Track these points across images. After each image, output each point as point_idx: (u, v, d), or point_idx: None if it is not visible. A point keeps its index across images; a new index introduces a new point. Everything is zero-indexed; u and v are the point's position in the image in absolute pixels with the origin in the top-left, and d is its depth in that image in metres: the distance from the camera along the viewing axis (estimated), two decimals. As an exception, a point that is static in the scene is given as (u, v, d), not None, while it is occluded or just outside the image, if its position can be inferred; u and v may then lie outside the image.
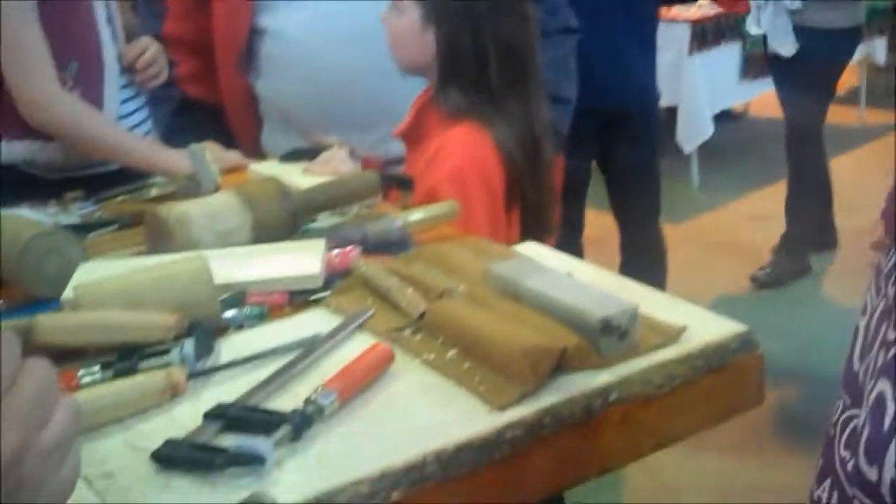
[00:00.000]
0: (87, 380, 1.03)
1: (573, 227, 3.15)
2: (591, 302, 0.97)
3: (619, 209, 3.28)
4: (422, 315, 1.06)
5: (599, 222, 3.59)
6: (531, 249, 1.22)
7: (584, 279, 1.08)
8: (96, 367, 1.04)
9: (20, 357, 0.64)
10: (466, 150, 1.58)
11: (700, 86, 4.66)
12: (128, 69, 2.02)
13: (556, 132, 1.95)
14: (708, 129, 4.72)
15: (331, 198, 1.52)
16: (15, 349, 0.64)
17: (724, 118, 5.18)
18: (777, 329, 3.30)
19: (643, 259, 3.19)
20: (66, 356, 1.07)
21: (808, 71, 3.53)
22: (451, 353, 0.99)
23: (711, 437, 2.70)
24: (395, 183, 1.60)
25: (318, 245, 1.31)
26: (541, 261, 1.15)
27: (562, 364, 0.93)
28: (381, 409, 0.93)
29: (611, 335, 0.94)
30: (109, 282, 1.16)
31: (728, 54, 4.82)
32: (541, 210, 1.69)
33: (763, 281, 3.82)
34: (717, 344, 0.98)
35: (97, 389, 0.99)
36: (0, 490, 0.60)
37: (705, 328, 1.00)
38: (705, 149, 4.89)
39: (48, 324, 1.05)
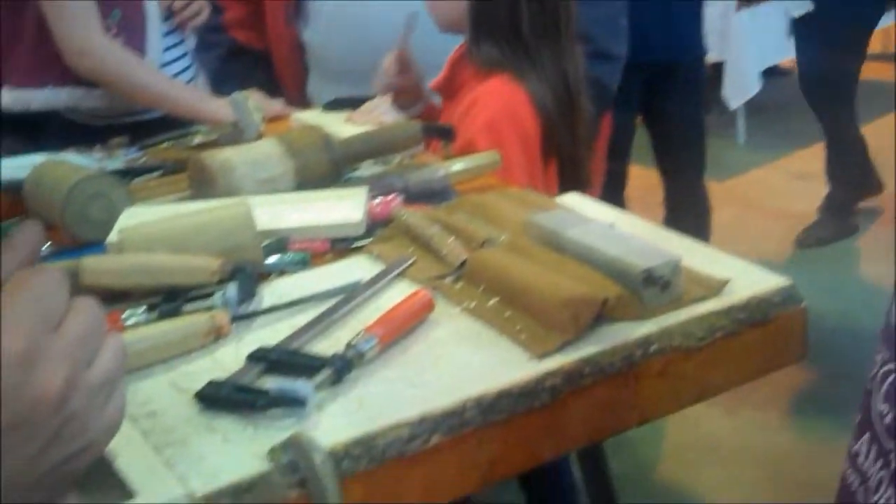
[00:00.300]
0: (132, 321, 1.04)
1: (617, 183, 3.12)
2: (633, 253, 0.96)
3: (664, 165, 3.25)
4: (463, 263, 1.06)
5: (643, 179, 3.56)
6: (573, 200, 1.22)
7: (627, 230, 1.07)
8: (141, 309, 1.05)
9: (68, 296, 0.65)
10: (500, 101, 1.58)
11: (747, 41, 4.59)
12: (169, 12, 2.02)
13: (605, 88, 1.94)
14: (755, 86, 4.65)
15: (373, 147, 1.52)
16: (63, 288, 0.64)
17: (771, 74, 5.10)
18: (821, 288, 3.26)
19: (687, 215, 3.17)
20: (112, 298, 1.08)
21: (831, 31, 3.46)
22: (492, 301, 0.99)
23: (752, 392, 2.70)
24: (437, 133, 1.59)
25: (361, 193, 1.31)
26: (583, 212, 1.14)
27: (603, 314, 0.92)
28: (422, 355, 0.93)
29: (653, 286, 0.94)
30: (154, 225, 1.17)
31: (776, 9, 4.73)
32: (577, 163, 1.68)
33: (808, 240, 3.77)
34: (760, 297, 0.97)
35: (142, 330, 1.00)
36: (48, 426, 0.61)
37: (749, 281, 0.99)
38: (751, 105, 4.82)
39: (94, 266, 1.06)
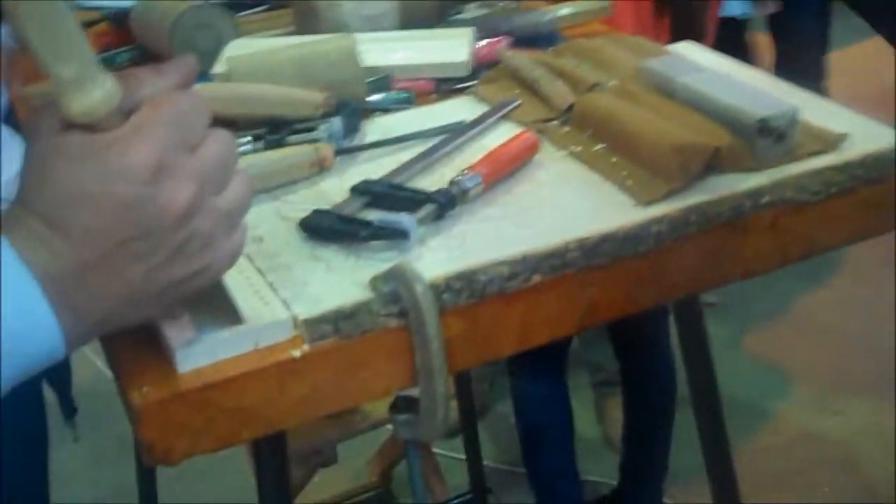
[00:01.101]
0: (239, 149, 1.05)
1: (731, 50, 3.01)
2: (749, 102, 0.93)
3: (780, 36, 3.12)
4: (570, 107, 1.04)
5: (756, 47, 3.42)
6: (688, 49, 1.18)
7: (743, 80, 1.04)
8: (246, 139, 1.06)
9: (208, 123, 0.65)
10: None
11: None
12: None
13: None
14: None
15: (480, -12, 1.48)
16: (204, 114, 0.65)
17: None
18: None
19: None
20: (217, 125, 1.09)
21: None
22: (599, 146, 0.98)
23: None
24: (547, -23, 1.55)
25: (466, 34, 1.29)
26: (697, 61, 1.10)
27: (713, 163, 0.90)
28: (525, 196, 0.92)
29: (767, 137, 0.91)
30: (260, 56, 1.17)
31: None
32: (691, 15, 1.62)
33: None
34: (878, 154, 0.93)
35: (248, 159, 1.01)
36: (172, 240, 0.63)
37: (867, 137, 0.95)
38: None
39: (203, 92, 1.06)
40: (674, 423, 2.10)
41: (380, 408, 1.81)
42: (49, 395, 1.33)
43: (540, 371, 2.03)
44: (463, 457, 2.17)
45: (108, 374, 0.81)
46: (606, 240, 0.84)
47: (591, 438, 2.53)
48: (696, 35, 1.57)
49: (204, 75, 1.25)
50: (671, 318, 1.90)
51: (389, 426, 1.96)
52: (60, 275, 0.61)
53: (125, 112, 0.62)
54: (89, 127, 0.61)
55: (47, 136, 0.61)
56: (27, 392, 1.22)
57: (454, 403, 1.99)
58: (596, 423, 2.58)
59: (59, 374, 1.42)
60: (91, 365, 2.71)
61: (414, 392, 0.81)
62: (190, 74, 0.68)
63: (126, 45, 1.48)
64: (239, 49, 1.28)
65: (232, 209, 0.67)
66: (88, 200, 0.60)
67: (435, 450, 2.13)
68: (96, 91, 0.60)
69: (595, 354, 2.47)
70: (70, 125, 0.61)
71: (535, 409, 2.07)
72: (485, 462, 2.20)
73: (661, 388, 2.06)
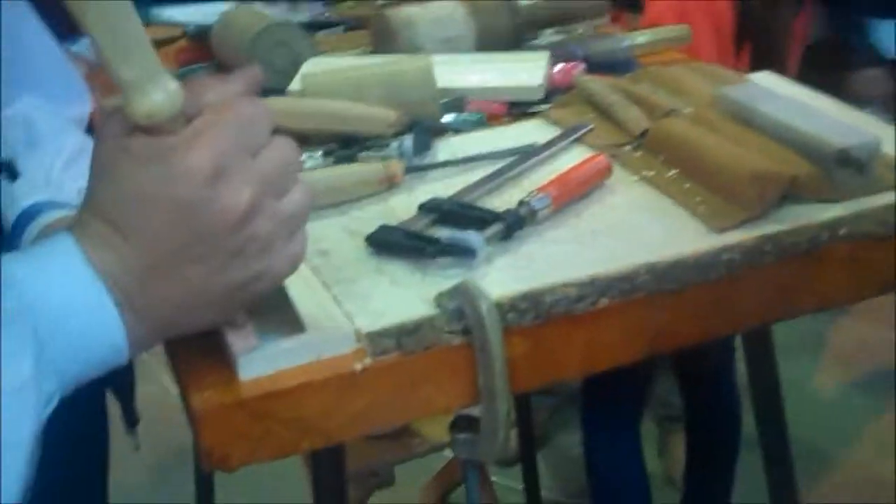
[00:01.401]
0: (309, 164, 1.05)
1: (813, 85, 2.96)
2: (829, 131, 0.91)
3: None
4: (644, 132, 1.03)
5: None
6: (767, 79, 1.16)
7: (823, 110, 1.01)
8: (318, 153, 1.06)
9: (270, 130, 0.66)
10: None
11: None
12: None
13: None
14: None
15: (557, 14, 1.48)
16: (267, 120, 0.65)
17: None
18: None
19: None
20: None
21: None
22: (672, 172, 0.96)
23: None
24: (625, 4, 1.54)
25: (542, 57, 1.28)
26: (776, 90, 1.08)
27: (790, 192, 0.88)
28: (595, 219, 0.91)
29: (847, 167, 0.88)
30: (335, 74, 1.17)
31: None
32: (773, 47, 1.60)
33: None
34: (963, 190, 0.90)
35: (317, 173, 1.01)
36: (230, 243, 0.63)
37: (951, 173, 0.93)
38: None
39: (275, 107, 1.06)
40: (737, 462, 2.05)
41: (439, 432, 1.80)
42: (112, 406, 1.35)
43: (616, 428, 1.98)
44: (521, 486, 2.14)
45: (172, 389, 0.81)
46: (677, 265, 0.82)
47: (652, 474, 2.49)
48: (777, 64, 1.55)
49: (280, 92, 1.26)
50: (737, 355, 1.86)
51: (448, 451, 1.94)
52: (124, 277, 0.61)
53: (189, 117, 0.62)
54: (153, 130, 0.61)
55: (113, 139, 0.62)
56: (91, 400, 1.23)
57: (514, 432, 1.97)
58: (657, 458, 2.53)
59: (123, 383, 1.43)
60: (156, 379, 2.74)
61: (475, 411, 0.80)
62: (254, 83, 0.69)
63: (205, 61, 1.50)
64: (316, 67, 1.29)
65: (292, 215, 0.67)
66: (150, 203, 0.61)
67: (493, 478, 2.11)
68: (159, 94, 0.61)
69: (661, 388, 2.42)
70: (135, 129, 0.62)
71: (611, 468, 2.01)
72: (543, 493, 2.17)
73: (724, 426, 2.02)
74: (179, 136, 0.61)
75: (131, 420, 1.44)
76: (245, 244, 0.64)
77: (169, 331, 0.66)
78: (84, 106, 0.99)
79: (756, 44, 1.56)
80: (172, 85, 0.62)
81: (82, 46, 1.67)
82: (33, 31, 0.88)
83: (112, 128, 0.63)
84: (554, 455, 2.56)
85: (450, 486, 2.15)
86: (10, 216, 0.86)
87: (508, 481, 2.36)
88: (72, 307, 0.59)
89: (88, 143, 0.95)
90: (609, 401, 1.90)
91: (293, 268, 0.69)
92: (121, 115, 0.62)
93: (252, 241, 0.64)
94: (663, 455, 2.51)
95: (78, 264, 0.60)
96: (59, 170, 0.91)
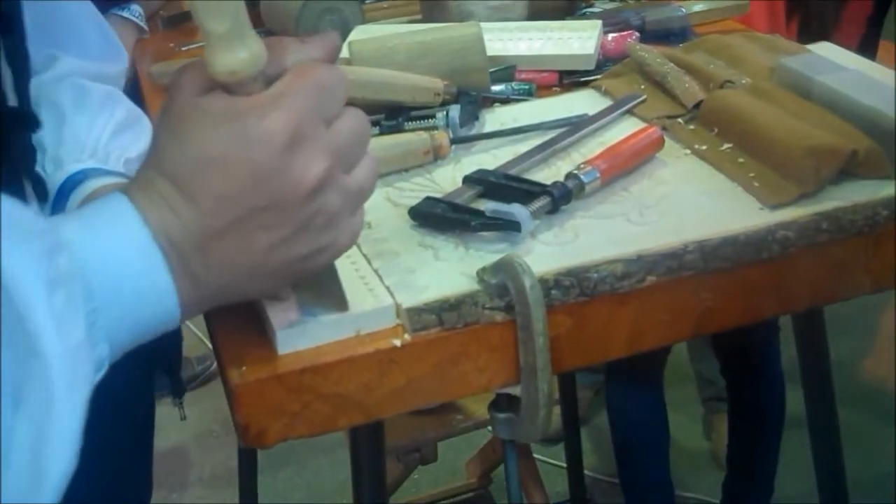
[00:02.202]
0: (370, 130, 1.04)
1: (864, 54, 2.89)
2: (891, 104, 0.87)
3: None
4: (698, 104, 1.00)
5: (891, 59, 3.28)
6: (827, 49, 1.12)
7: (886, 82, 0.97)
8: (363, 123, 1.05)
9: (345, 98, 0.64)
10: None
11: None
12: None
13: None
14: None
15: (612, -18, 1.44)
16: (344, 87, 0.64)
17: None
18: None
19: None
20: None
21: None
22: (726, 146, 0.93)
23: None
24: (682, -28, 1.50)
25: (594, 26, 1.25)
26: (838, 61, 1.04)
27: (848, 168, 0.85)
28: (644, 194, 0.89)
29: (910, 143, 0.85)
30: (383, 41, 1.15)
31: None
32: (823, 20, 1.56)
33: None
34: None
35: (362, 143, 0.99)
36: (300, 214, 0.61)
37: None
38: None
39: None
40: (780, 445, 2.02)
41: (482, 408, 1.79)
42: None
43: (637, 383, 1.97)
44: (564, 465, 2.13)
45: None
46: (728, 243, 0.79)
47: (699, 454, 2.46)
48: (827, 37, 1.50)
49: (327, 60, 1.25)
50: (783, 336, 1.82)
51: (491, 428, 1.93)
52: (184, 241, 0.60)
53: (268, 79, 0.61)
54: (231, 89, 0.60)
55: (188, 95, 0.60)
56: (137, 368, 1.23)
57: (557, 409, 1.95)
58: (703, 438, 2.50)
59: (170, 353, 1.43)
60: (203, 347, 2.77)
61: (516, 390, 0.78)
62: (334, 49, 0.67)
63: (254, 28, 1.49)
64: (364, 34, 1.27)
65: (359, 189, 0.65)
66: (221, 165, 0.59)
67: (535, 456, 2.10)
68: (243, 51, 0.59)
69: (707, 369, 2.39)
70: (212, 87, 0.60)
71: (631, 422, 2.01)
72: (585, 471, 2.15)
73: (768, 406, 1.99)
74: (259, 98, 0.60)
75: (178, 390, 1.44)
76: (313, 216, 0.62)
77: (223, 298, 0.65)
78: (122, 63, 0.97)
79: (805, 15, 1.51)
80: (257, 44, 0.60)
81: (133, 12, 1.67)
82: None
83: (187, 84, 0.61)
84: (597, 433, 2.54)
85: (493, 463, 2.14)
86: (56, 180, 0.85)
87: (551, 459, 2.34)
88: (125, 271, 0.58)
89: (136, 112, 0.94)
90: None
91: (354, 241, 0.68)
92: (196, 71, 0.60)
93: (320, 214, 0.62)
94: (709, 436, 2.48)
95: (133, 226, 0.59)
96: (106, 139, 0.90)
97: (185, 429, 2.51)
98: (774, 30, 1.47)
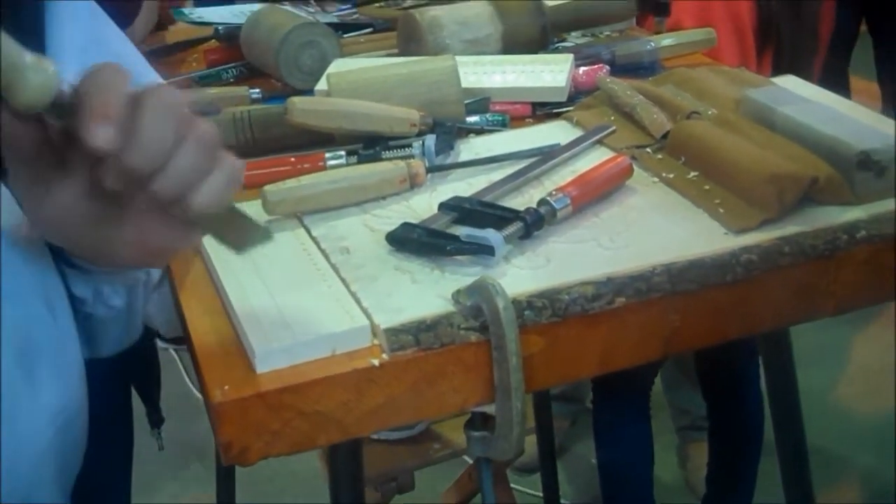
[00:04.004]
0: (333, 162, 1.06)
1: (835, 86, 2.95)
2: (850, 134, 0.91)
3: (885, 78, 3.04)
4: (666, 135, 1.03)
5: (860, 94, 3.35)
6: (791, 82, 1.16)
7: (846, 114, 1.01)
8: (342, 152, 1.07)
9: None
10: None
11: None
12: None
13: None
14: None
15: (583, 17, 1.48)
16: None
17: None
18: None
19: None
20: (317, 140, 1.11)
21: None
22: (693, 174, 0.96)
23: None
24: (651, 7, 1.54)
25: (566, 60, 1.29)
26: (800, 93, 1.08)
27: (810, 194, 0.88)
28: (614, 220, 0.92)
29: (867, 170, 0.88)
30: (361, 73, 1.18)
31: None
32: (798, 54, 1.59)
33: None
34: (984, 195, 0.90)
35: (341, 171, 1.02)
36: None
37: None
38: None
39: (302, 106, 1.09)
40: (758, 468, 2.05)
41: (459, 436, 1.80)
42: (136, 405, 1.37)
43: (625, 406, 2.00)
44: (540, 494, 2.14)
45: (196, 393, 0.82)
46: (694, 266, 0.82)
47: (672, 484, 2.48)
48: (802, 65, 1.55)
49: (307, 94, 1.27)
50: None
51: (468, 457, 1.94)
52: None
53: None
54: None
55: None
56: (115, 396, 1.25)
57: (532, 438, 1.97)
58: (677, 467, 2.52)
59: (148, 384, 1.45)
60: (182, 382, 2.77)
61: (490, 409, 0.80)
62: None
63: (234, 61, 1.51)
64: (342, 67, 1.30)
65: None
66: None
67: (513, 486, 2.11)
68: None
69: (680, 398, 2.42)
70: None
71: (618, 444, 2.03)
72: (562, 501, 2.16)
73: (748, 428, 2.02)
74: None
75: (156, 420, 1.45)
76: None
77: None
78: None
79: (778, 46, 1.55)
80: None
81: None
82: (115, 34, 0.88)
83: None
84: (574, 463, 2.56)
85: (470, 492, 2.15)
86: None
87: (528, 488, 2.35)
88: None
89: None
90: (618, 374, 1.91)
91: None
92: None
93: None
94: (683, 465, 2.50)
95: None
96: None
97: (163, 456, 2.50)
98: (745, 63, 1.51)
